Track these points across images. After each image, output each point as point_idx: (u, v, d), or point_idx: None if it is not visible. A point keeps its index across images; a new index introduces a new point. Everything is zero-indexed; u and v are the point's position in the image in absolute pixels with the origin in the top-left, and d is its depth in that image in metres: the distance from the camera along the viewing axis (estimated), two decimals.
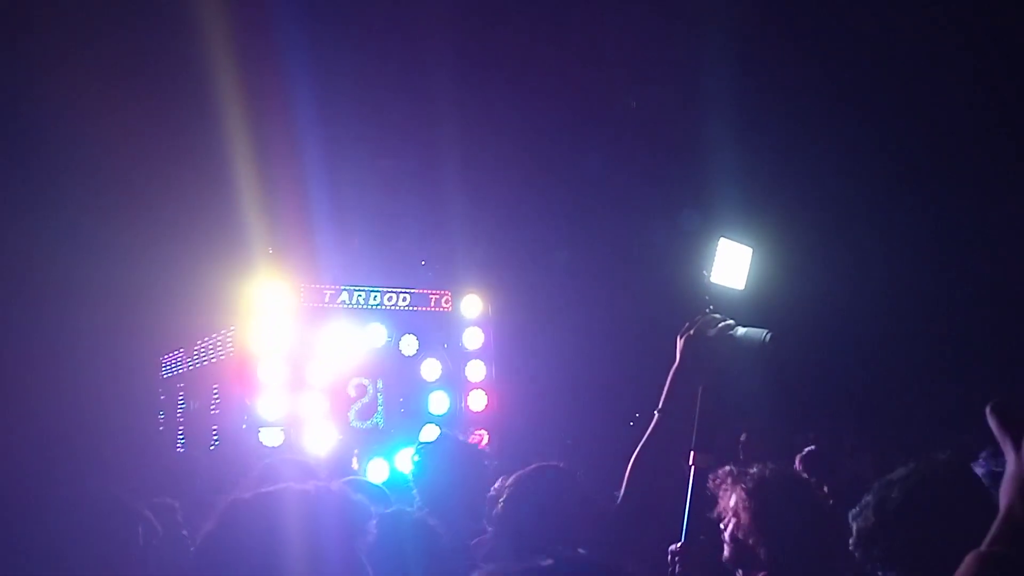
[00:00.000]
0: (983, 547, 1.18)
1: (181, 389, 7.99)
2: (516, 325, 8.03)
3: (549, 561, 1.39)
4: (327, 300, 7.30)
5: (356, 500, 1.94)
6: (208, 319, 7.39)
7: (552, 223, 8.20)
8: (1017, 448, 1.23)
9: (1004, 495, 1.22)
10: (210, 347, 7.44)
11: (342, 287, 7.37)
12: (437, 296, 7.71)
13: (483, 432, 7.57)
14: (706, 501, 2.78)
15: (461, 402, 7.63)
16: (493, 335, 7.78)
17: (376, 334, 7.41)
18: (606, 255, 8.09)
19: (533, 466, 3.01)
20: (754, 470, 2.94)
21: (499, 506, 2.83)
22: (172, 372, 8.24)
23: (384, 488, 4.76)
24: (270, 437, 6.74)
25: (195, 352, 7.72)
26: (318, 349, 7.13)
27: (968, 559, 1.17)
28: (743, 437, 6.52)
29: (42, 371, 7.83)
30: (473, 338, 7.73)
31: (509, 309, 7.96)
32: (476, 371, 7.70)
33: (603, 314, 8.07)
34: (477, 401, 7.65)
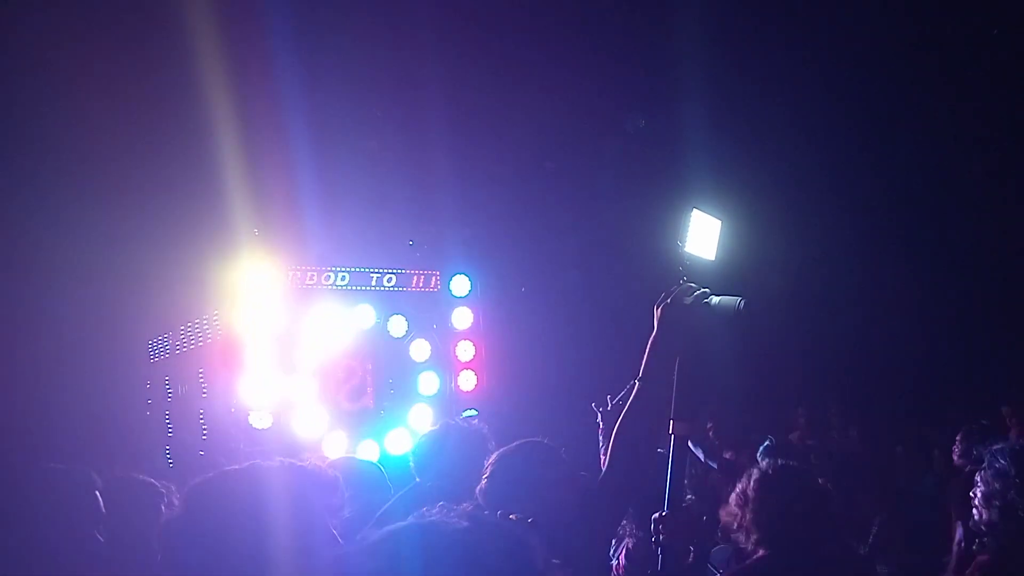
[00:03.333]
0: None
1: (168, 374, 7.95)
2: (505, 304, 8.00)
3: (465, 524, 1.38)
4: (314, 281, 7.25)
5: (325, 475, 1.90)
6: (194, 302, 7.34)
7: (539, 202, 8.17)
8: None
9: None
10: (196, 331, 7.39)
11: (329, 268, 7.32)
12: (425, 276, 7.67)
13: (474, 412, 7.55)
14: (688, 468, 2.79)
15: (451, 382, 7.62)
16: (482, 314, 7.75)
17: (364, 315, 7.37)
18: (594, 232, 8.07)
19: (516, 442, 3.01)
20: (762, 465, 3.12)
21: (483, 482, 2.83)
22: (158, 357, 8.20)
23: (379, 466, 4.75)
24: (259, 420, 6.71)
25: (181, 336, 7.68)
26: (306, 331, 7.09)
27: None
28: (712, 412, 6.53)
29: (26, 357, 7.79)
30: (462, 318, 7.70)
31: (498, 288, 7.93)
32: (466, 351, 7.67)
33: (592, 291, 8.06)
34: (467, 381, 7.63)
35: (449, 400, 7.53)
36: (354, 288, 7.34)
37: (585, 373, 7.67)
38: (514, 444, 2.99)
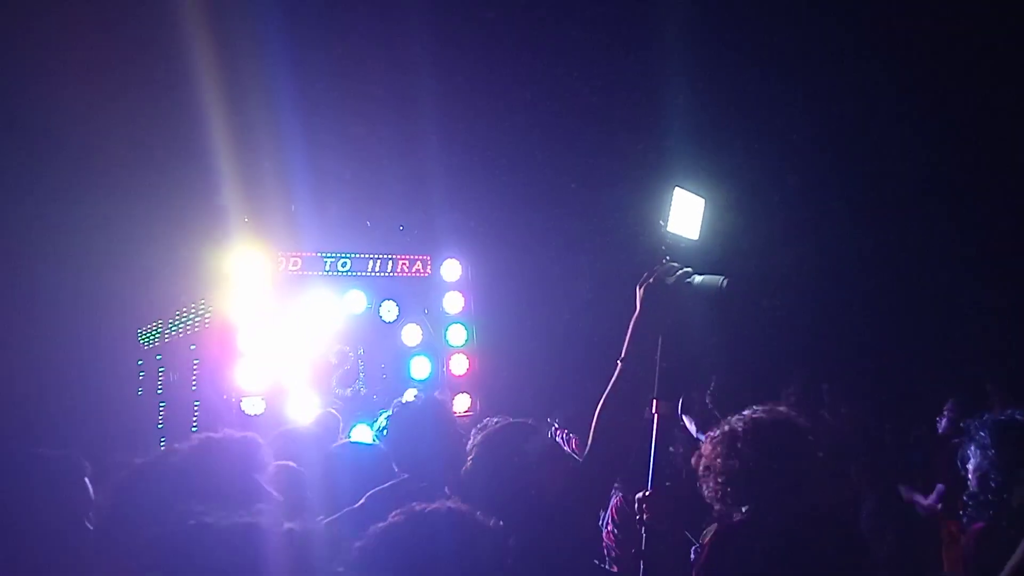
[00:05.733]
0: None
1: (160, 361, 7.97)
2: (496, 288, 8.02)
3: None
4: (305, 268, 7.26)
5: (235, 440, 1.94)
6: (186, 289, 7.35)
7: (528, 185, 8.18)
8: None
9: None
10: (188, 318, 7.40)
11: (320, 254, 7.33)
12: (416, 261, 7.68)
13: (466, 395, 7.60)
14: (670, 448, 2.80)
15: (443, 366, 7.64)
16: (473, 298, 7.77)
17: (356, 301, 7.39)
18: (582, 214, 8.09)
19: (501, 423, 3.02)
20: (745, 413, 2.94)
21: (468, 463, 2.84)
22: (150, 343, 8.21)
23: (380, 446, 4.76)
24: (251, 406, 6.73)
25: (173, 323, 7.69)
26: (298, 317, 7.11)
27: None
28: (712, 386, 6.55)
29: (18, 343, 7.79)
30: (453, 302, 7.71)
31: (489, 272, 7.94)
32: (457, 335, 7.70)
33: (582, 272, 8.08)
34: (459, 365, 7.66)
35: (441, 384, 7.56)
36: (345, 273, 7.35)
37: (575, 354, 7.71)
38: (498, 424, 3.00)
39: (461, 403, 7.55)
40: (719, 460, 2.87)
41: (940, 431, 6.11)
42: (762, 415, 2.91)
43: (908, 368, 7.44)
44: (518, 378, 7.85)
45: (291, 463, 3.95)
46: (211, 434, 1.96)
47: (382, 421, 5.01)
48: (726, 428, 2.92)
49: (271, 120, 7.12)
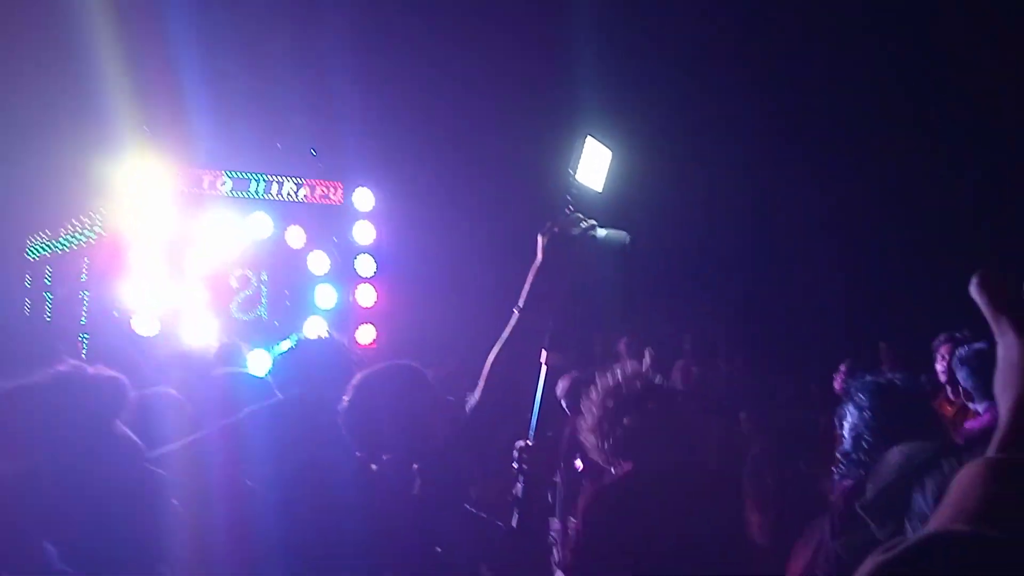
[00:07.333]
0: (991, 453, 0.87)
1: (48, 272, 7.56)
2: (406, 220, 7.86)
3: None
4: (207, 186, 6.94)
5: (101, 377, 1.79)
6: (76, 199, 6.94)
7: (446, 120, 7.98)
8: (1018, 328, 0.92)
9: (1007, 388, 0.91)
10: (79, 230, 7.01)
11: (224, 172, 7.00)
12: (327, 187, 7.45)
13: (371, 327, 7.49)
14: (555, 401, 2.77)
15: (349, 296, 7.49)
16: (384, 230, 7.60)
17: (261, 224, 7.12)
18: (493, 153, 7.96)
19: (381, 364, 2.91)
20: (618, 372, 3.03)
21: (344, 403, 2.73)
22: (38, 254, 7.76)
23: (267, 379, 4.62)
24: (143, 326, 6.46)
25: (63, 234, 7.27)
26: (197, 237, 6.81)
27: (974, 469, 0.82)
28: (624, 341, 6.63)
29: None
30: (364, 232, 7.54)
31: (399, 204, 7.77)
32: (366, 265, 7.54)
33: (493, 210, 7.99)
34: (366, 296, 7.52)
35: (347, 314, 7.42)
36: (250, 195, 7.07)
37: (483, 292, 7.66)
38: (377, 367, 2.88)
39: (365, 335, 7.44)
40: (599, 417, 2.96)
41: (837, 389, 6.32)
42: (629, 377, 3.01)
43: (808, 326, 7.67)
44: (424, 312, 7.76)
45: (171, 390, 3.78)
46: (75, 368, 1.79)
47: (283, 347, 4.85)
48: (604, 386, 3.01)
49: (174, 24, 6.69)
